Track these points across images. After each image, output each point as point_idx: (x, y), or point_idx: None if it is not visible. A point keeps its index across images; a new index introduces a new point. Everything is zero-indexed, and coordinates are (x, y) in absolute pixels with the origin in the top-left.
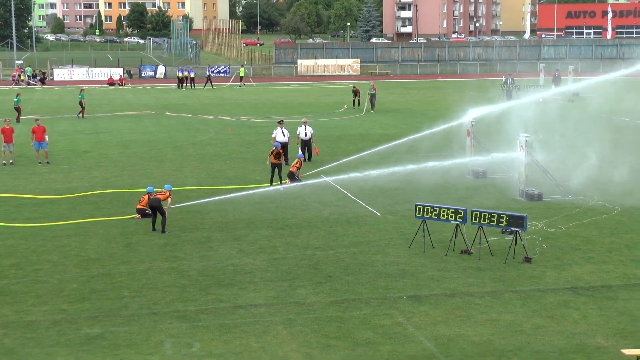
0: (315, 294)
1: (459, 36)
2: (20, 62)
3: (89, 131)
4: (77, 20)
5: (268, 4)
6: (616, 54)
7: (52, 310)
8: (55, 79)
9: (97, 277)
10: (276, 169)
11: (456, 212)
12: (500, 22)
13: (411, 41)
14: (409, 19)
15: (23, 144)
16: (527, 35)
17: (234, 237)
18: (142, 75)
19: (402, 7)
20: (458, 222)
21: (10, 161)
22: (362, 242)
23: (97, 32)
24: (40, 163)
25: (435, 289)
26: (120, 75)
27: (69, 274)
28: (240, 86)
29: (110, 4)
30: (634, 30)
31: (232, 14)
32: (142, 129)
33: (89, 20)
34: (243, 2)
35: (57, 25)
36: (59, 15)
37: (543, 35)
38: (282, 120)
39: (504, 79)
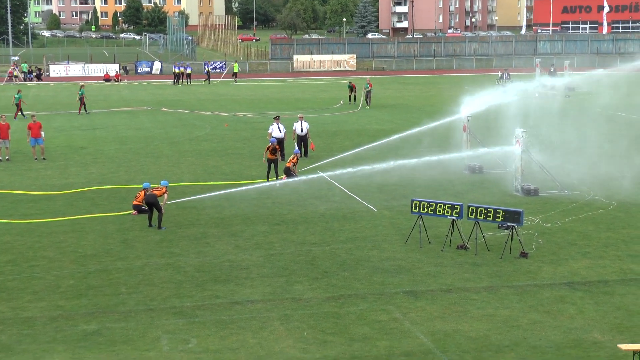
0: (311, 289)
1: (454, 31)
2: (16, 58)
3: (85, 127)
4: (73, 16)
5: (264, 0)
6: (612, 48)
7: (48, 307)
8: (51, 75)
9: (94, 273)
10: (272, 165)
11: (452, 207)
12: (496, 18)
13: (407, 36)
14: (405, 14)
15: (19, 140)
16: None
17: (231, 233)
18: (138, 71)
19: (398, 3)
20: (454, 218)
21: (7, 157)
22: (359, 238)
23: (93, 28)
24: (36, 159)
25: (431, 285)
26: (116, 71)
27: (65, 270)
28: (235, 82)
29: (106, 0)
30: (630, 25)
31: (228, 10)
32: (138, 125)
33: (84, 17)
34: None
35: (53, 22)
36: (55, 11)
37: (539, 31)
38: (278, 116)
39: (499, 74)
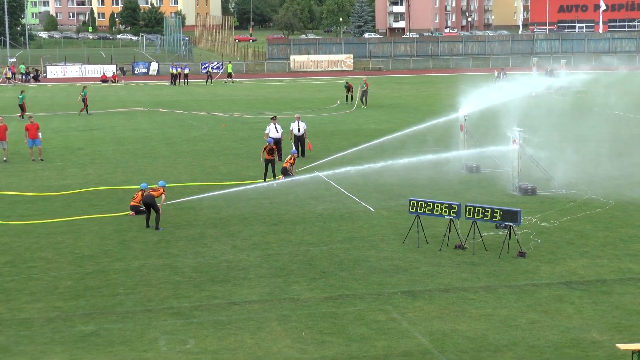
0: (309, 289)
1: (451, 31)
2: (14, 59)
3: (82, 128)
4: (70, 17)
5: (260, 0)
6: (608, 47)
7: (46, 308)
8: (48, 76)
9: (92, 274)
10: (270, 165)
11: (450, 207)
12: (493, 17)
13: (404, 36)
14: (402, 14)
15: (17, 142)
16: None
17: (228, 233)
18: (135, 72)
19: (395, 2)
20: (452, 217)
21: (4, 159)
22: (356, 238)
23: (90, 29)
24: (34, 160)
25: (429, 284)
26: (114, 72)
27: (63, 271)
28: (232, 82)
29: (102, 1)
30: (626, 24)
31: (225, 10)
32: (136, 126)
33: (81, 18)
34: None
35: (50, 23)
36: (52, 12)
37: (535, 30)
38: (275, 116)
39: (496, 73)
